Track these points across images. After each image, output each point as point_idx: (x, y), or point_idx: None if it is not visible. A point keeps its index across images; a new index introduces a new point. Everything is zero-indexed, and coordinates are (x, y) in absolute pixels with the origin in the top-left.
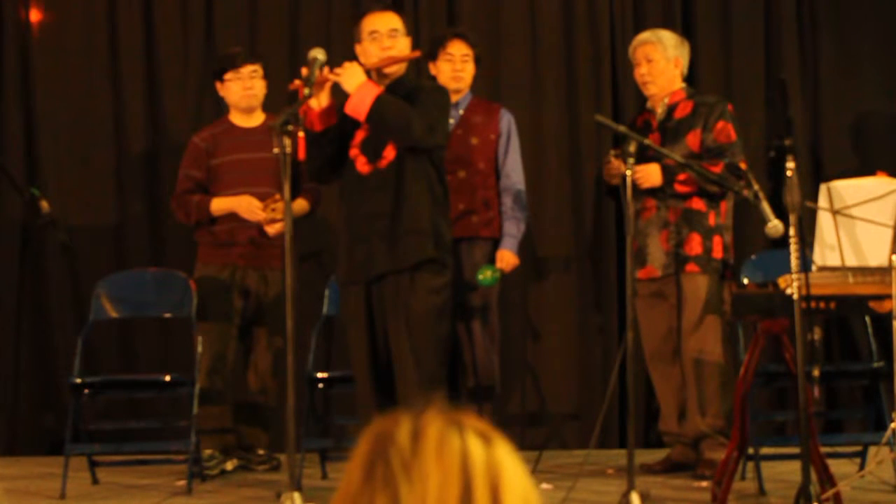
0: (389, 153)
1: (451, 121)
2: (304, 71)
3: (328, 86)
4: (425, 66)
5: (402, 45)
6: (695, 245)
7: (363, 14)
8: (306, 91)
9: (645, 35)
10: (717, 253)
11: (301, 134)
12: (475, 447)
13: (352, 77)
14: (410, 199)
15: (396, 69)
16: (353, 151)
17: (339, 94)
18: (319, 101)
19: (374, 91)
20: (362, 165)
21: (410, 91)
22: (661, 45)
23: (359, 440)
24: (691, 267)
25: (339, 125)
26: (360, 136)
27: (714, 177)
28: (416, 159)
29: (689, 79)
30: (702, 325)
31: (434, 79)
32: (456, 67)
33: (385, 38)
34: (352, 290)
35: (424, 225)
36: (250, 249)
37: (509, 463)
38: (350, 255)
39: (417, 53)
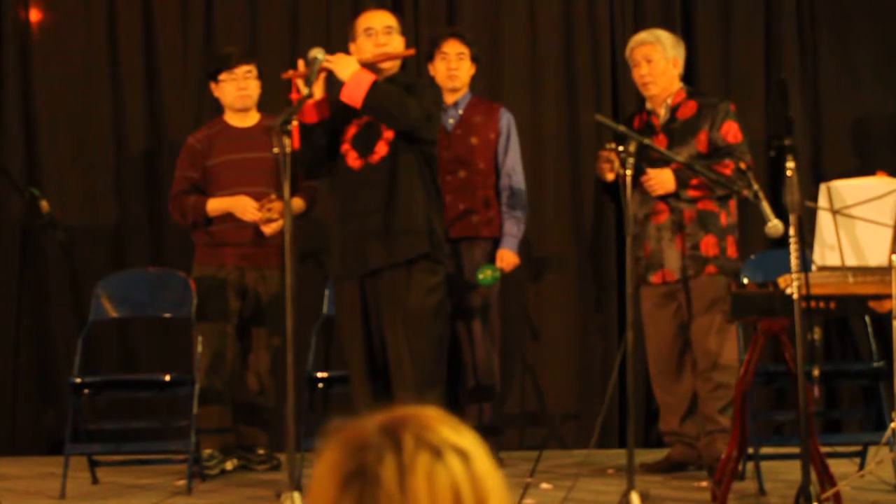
0: (381, 149)
1: (451, 120)
2: (301, 62)
3: (322, 76)
4: (424, 68)
5: (397, 43)
6: (711, 246)
7: (359, 13)
8: (306, 91)
9: (643, 35)
10: (732, 252)
11: (295, 124)
12: (458, 470)
13: (346, 66)
14: (404, 195)
15: (390, 66)
16: (345, 146)
17: (331, 88)
18: (313, 94)
19: (369, 77)
20: (353, 160)
21: (404, 86)
22: (660, 45)
23: (329, 451)
24: (710, 269)
25: (331, 119)
26: (351, 131)
27: (715, 176)
28: (410, 155)
29: (690, 79)
30: (721, 326)
31: (433, 80)
32: (451, 66)
33: (380, 34)
34: (346, 284)
35: (419, 222)
36: (248, 249)
37: (488, 472)
38: (343, 251)
39: (412, 51)
